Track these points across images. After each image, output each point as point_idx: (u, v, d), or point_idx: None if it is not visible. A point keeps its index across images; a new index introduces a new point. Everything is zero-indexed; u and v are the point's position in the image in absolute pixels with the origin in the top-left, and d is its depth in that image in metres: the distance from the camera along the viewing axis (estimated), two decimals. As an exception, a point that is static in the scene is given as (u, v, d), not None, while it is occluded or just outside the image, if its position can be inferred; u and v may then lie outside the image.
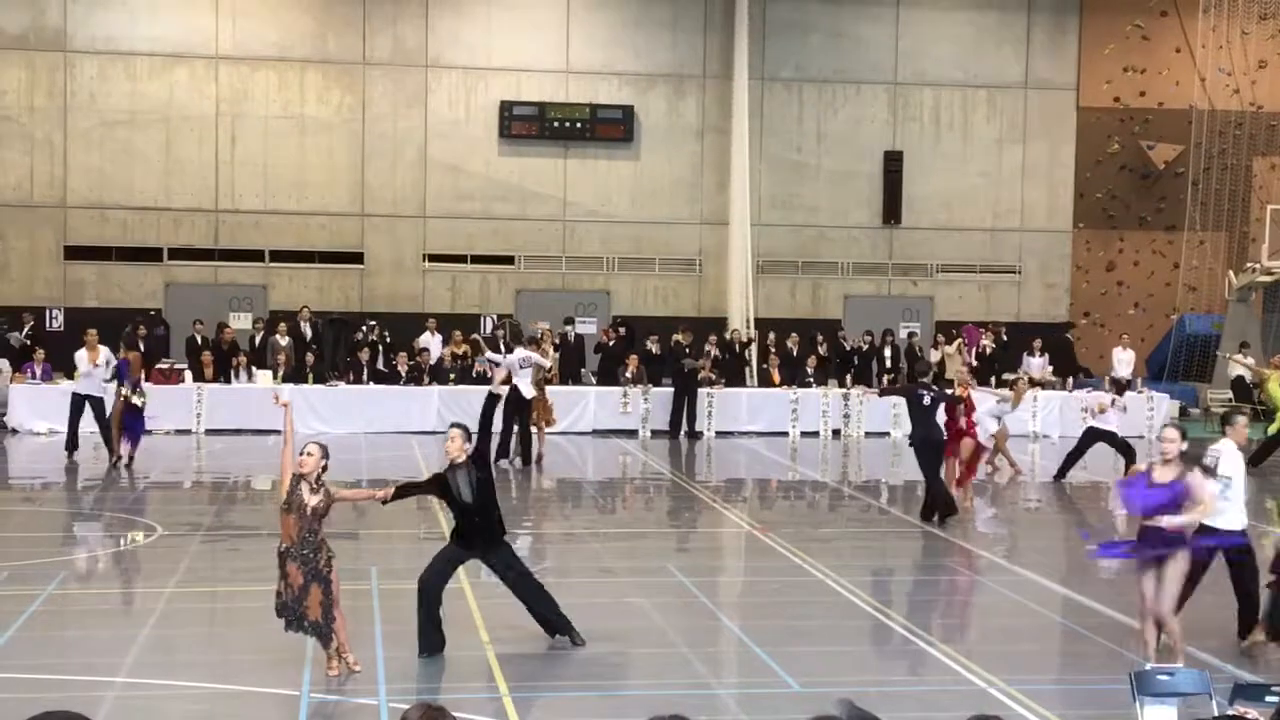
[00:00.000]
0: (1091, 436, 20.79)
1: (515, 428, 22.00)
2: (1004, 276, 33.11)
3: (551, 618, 10.87)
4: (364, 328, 27.47)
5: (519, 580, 10.85)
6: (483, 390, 22.81)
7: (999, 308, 32.72)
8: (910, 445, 17.77)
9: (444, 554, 10.76)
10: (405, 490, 10.90)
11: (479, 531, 10.59)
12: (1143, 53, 32.93)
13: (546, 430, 22.76)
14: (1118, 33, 32.78)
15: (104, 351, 21.82)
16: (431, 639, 10.50)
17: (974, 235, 32.90)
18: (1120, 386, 21.81)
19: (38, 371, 25.40)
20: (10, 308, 28.89)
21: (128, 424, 21.09)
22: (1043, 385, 27.55)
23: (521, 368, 21.95)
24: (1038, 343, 29.08)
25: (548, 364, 23.23)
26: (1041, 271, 33.28)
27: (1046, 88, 32.89)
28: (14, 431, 24.55)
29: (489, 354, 23.48)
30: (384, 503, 10.93)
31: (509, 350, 22.30)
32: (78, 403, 21.76)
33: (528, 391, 21.82)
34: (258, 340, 27.27)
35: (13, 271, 29.88)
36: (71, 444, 21.81)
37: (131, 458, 20.84)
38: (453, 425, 10.92)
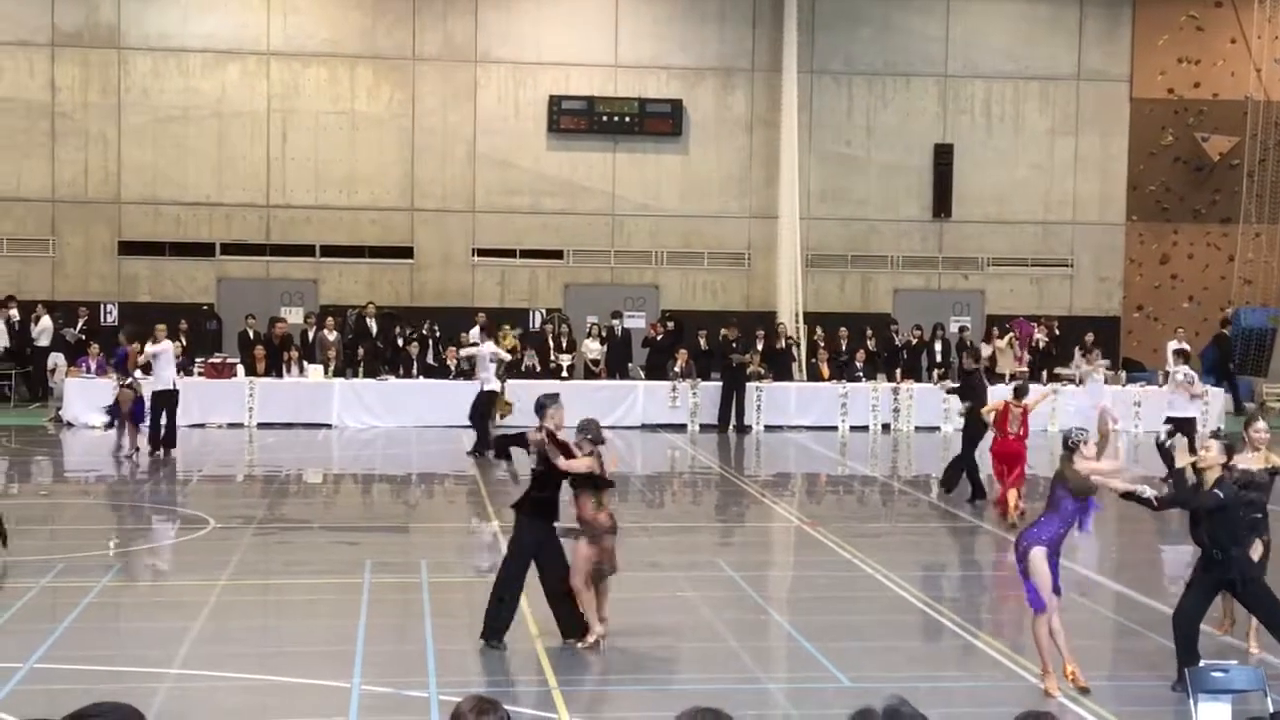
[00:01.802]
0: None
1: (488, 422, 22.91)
2: (1056, 270, 32.82)
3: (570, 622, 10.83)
4: (408, 329, 27.70)
5: (550, 570, 10.87)
6: (528, 385, 23.44)
7: (1051, 301, 32.44)
8: (962, 416, 18.57)
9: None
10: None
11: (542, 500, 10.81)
12: (1197, 44, 32.56)
13: (501, 422, 23.52)
14: (1172, 23, 32.43)
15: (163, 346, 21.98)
16: (500, 627, 10.58)
17: (1025, 228, 32.64)
18: (1184, 356, 21.16)
19: (92, 366, 25.66)
20: (65, 303, 29.21)
21: (135, 413, 21.45)
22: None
23: (491, 361, 23.03)
24: (1090, 337, 28.84)
25: (506, 357, 24.96)
26: (1094, 265, 32.97)
27: (1099, 79, 32.56)
28: (69, 425, 24.83)
29: (466, 349, 25.16)
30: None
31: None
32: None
33: (493, 385, 23.09)
34: (310, 335, 27.50)
35: (68, 267, 30.19)
36: (155, 441, 21.75)
37: (136, 448, 21.39)
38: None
